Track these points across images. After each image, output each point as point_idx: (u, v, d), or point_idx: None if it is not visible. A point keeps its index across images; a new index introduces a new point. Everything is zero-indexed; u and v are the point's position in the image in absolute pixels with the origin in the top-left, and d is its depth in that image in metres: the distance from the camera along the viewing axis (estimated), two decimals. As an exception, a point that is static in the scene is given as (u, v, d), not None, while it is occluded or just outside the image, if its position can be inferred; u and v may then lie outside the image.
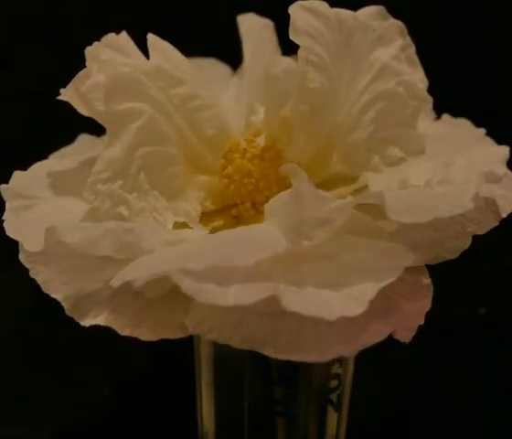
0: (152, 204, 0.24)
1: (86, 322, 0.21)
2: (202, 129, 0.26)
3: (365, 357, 0.30)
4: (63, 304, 0.22)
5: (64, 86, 0.25)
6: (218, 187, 0.26)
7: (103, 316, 0.21)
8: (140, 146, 0.24)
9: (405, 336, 0.20)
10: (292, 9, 0.24)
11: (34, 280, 0.22)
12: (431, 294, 0.21)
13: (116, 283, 0.20)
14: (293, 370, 0.26)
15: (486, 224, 0.23)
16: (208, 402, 0.28)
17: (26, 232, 0.23)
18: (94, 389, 0.42)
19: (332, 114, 0.25)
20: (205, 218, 0.25)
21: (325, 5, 0.25)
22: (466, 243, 0.22)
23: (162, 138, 0.25)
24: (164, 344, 0.42)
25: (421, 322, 0.20)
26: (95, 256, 0.21)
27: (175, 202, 0.24)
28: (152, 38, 0.26)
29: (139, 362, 0.42)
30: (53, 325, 0.40)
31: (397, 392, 0.42)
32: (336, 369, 0.27)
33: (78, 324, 0.22)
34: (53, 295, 0.22)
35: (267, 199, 0.23)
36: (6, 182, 0.25)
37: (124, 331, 0.21)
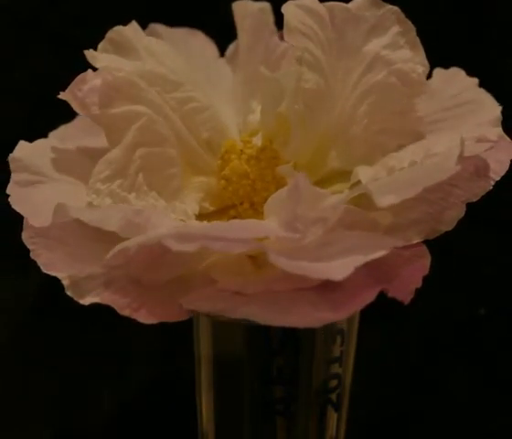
0: (150, 203, 0.24)
1: (85, 301, 0.21)
2: (199, 131, 0.26)
3: (365, 356, 0.30)
4: (63, 282, 0.22)
5: (64, 86, 0.25)
6: (216, 188, 0.26)
7: (103, 296, 0.21)
8: (139, 147, 0.24)
9: (403, 297, 0.20)
10: (285, 8, 0.24)
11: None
12: (428, 261, 0.21)
13: (110, 253, 0.20)
14: (294, 370, 0.26)
15: (479, 190, 0.22)
16: (208, 402, 0.28)
17: (33, 208, 0.23)
18: (94, 390, 0.42)
19: (328, 112, 0.25)
20: (204, 219, 0.26)
21: (316, 2, 0.25)
22: (461, 213, 0.22)
23: (160, 139, 0.25)
24: (164, 344, 0.42)
25: (419, 285, 0.20)
26: (104, 230, 0.21)
27: (173, 203, 0.25)
28: (147, 42, 0.26)
29: (139, 363, 0.42)
30: (53, 325, 0.40)
31: (397, 392, 0.42)
32: (336, 368, 0.27)
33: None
34: (53, 274, 0.22)
35: (265, 200, 0.23)
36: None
37: (124, 311, 0.21)
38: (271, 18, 0.30)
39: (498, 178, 0.23)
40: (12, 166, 0.24)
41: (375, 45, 0.25)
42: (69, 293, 0.22)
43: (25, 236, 0.22)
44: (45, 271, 0.22)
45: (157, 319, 0.21)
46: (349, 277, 0.19)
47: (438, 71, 0.28)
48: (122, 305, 0.21)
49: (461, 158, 0.21)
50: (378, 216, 0.22)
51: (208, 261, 0.22)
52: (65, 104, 0.25)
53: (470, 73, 0.27)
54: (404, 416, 0.42)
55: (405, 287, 0.20)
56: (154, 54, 0.26)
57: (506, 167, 0.23)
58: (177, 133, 0.26)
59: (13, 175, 0.24)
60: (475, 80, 0.27)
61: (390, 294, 0.20)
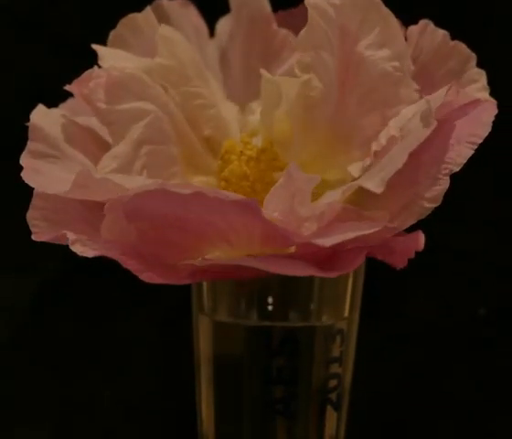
0: None
1: (89, 253, 0.21)
2: (201, 129, 0.26)
3: (365, 357, 0.30)
4: (68, 237, 0.21)
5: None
6: (216, 188, 0.26)
7: (108, 253, 0.21)
8: (144, 144, 0.24)
9: (396, 264, 0.20)
10: (310, 14, 0.24)
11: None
12: (422, 239, 0.21)
13: (108, 203, 0.21)
14: (293, 370, 0.26)
15: (461, 159, 0.22)
16: (207, 402, 0.28)
17: (46, 181, 0.23)
18: (94, 390, 0.42)
19: (328, 116, 0.25)
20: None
21: (326, 1, 0.24)
22: (445, 186, 0.22)
23: (165, 137, 0.25)
24: (164, 344, 0.42)
25: (412, 256, 0.20)
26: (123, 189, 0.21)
27: None
28: (162, 31, 0.26)
29: (139, 362, 0.42)
30: (53, 325, 0.40)
31: (397, 392, 0.42)
32: (336, 368, 0.27)
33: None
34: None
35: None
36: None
37: (128, 264, 0.20)
38: (267, 6, 0.29)
39: (481, 141, 0.22)
40: (30, 134, 0.24)
41: (360, 46, 0.24)
42: (73, 248, 0.21)
43: (29, 216, 0.22)
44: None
45: (160, 281, 0.21)
46: (343, 255, 0.20)
47: (408, 34, 0.26)
48: (127, 262, 0.21)
49: (431, 114, 0.21)
50: (375, 215, 0.22)
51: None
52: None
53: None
54: (404, 416, 0.42)
55: (398, 256, 0.21)
56: (167, 43, 0.26)
57: (488, 129, 0.22)
58: (180, 131, 0.26)
59: (29, 143, 0.24)
60: (445, 32, 0.26)
61: (380, 258, 0.20)
